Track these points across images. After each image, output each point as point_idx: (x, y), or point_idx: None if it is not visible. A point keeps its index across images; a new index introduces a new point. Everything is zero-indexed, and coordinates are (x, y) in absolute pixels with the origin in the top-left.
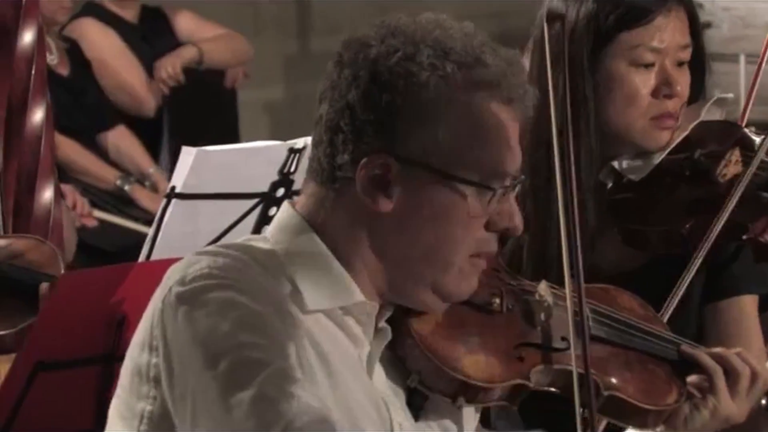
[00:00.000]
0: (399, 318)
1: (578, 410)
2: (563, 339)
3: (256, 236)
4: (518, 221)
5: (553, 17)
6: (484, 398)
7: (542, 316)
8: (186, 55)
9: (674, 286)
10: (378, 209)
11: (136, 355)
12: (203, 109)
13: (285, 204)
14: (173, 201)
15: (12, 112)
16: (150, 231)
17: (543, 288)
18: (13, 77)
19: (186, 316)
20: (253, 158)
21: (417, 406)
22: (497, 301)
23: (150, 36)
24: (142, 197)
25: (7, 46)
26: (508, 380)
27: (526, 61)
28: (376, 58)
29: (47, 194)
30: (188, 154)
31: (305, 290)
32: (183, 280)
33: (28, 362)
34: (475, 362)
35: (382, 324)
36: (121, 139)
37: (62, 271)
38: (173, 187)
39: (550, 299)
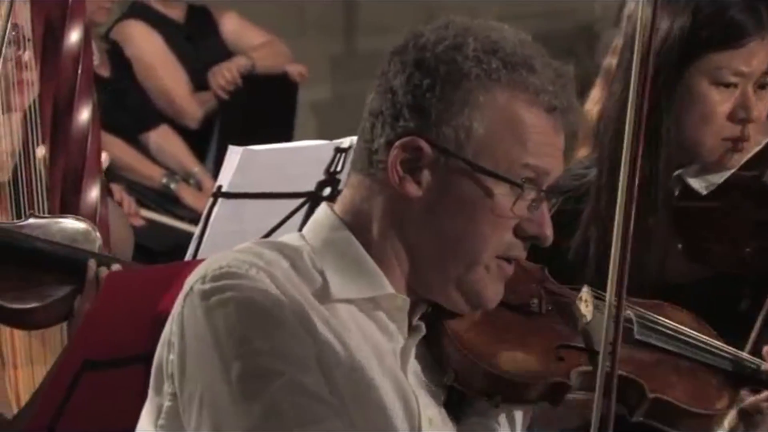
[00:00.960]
0: (435, 316)
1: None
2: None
3: (291, 234)
4: (548, 231)
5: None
6: (523, 396)
7: (584, 320)
8: (240, 62)
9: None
10: (406, 193)
11: (159, 353)
12: (257, 109)
13: (322, 204)
14: (220, 200)
15: (58, 111)
16: (196, 230)
17: (586, 292)
18: (60, 77)
19: (204, 315)
20: (300, 157)
21: (456, 406)
22: (536, 302)
23: (195, 36)
24: (188, 196)
25: (53, 46)
26: (547, 378)
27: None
28: (424, 45)
29: (94, 193)
30: (235, 153)
31: (333, 280)
32: (204, 278)
33: (74, 361)
34: (512, 358)
35: (417, 321)
36: (164, 139)
37: (98, 248)
38: (220, 186)
39: (592, 303)
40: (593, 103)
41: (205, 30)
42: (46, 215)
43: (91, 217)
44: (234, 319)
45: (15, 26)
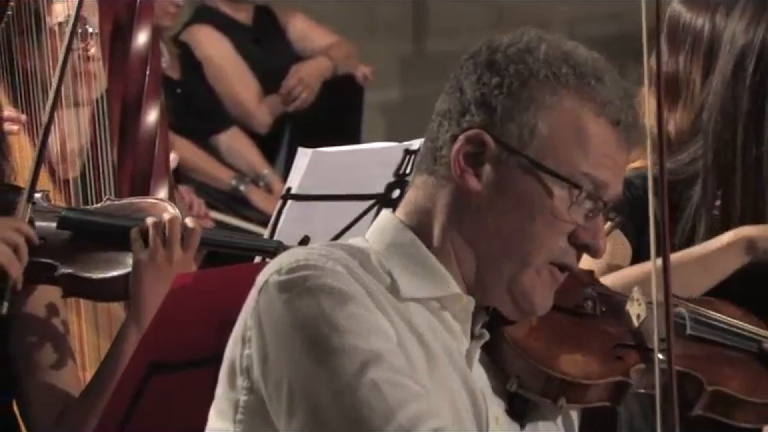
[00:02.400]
0: (493, 324)
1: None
2: (661, 340)
3: (356, 238)
4: (601, 242)
5: None
6: (585, 398)
7: (637, 319)
8: (323, 65)
9: None
10: (466, 186)
11: (230, 351)
12: (326, 111)
13: (384, 211)
14: (289, 202)
15: (127, 112)
16: (266, 232)
17: (636, 291)
18: (128, 78)
19: (285, 304)
20: (369, 159)
21: (520, 413)
22: (590, 304)
23: (262, 38)
24: (257, 198)
25: (122, 48)
26: (608, 377)
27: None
28: (496, 48)
29: (162, 194)
30: (304, 155)
31: (401, 280)
32: (280, 270)
33: (141, 363)
34: (572, 361)
35: (479, 330)
36: (234, 141)
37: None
38: (289, 188)
39: (644, 302)
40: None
41: (273, 32)
42: (123, 198)
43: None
44: (316, 305)
45: (81, 18)
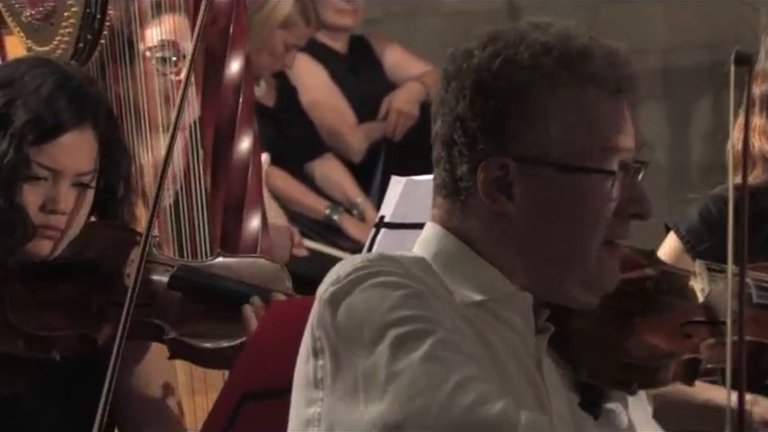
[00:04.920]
0: (556, 317)
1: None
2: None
3: (402, 251)
4: (647, 205)
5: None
6: (657, 380)
7: (702, 293)
8: (416, 89)
9: None
10: (503, 211)
11: (301, 369)
12: (420, 140)
13: (427, 223)
14: (382, 230)
15: (220, 140)
16: None
17: (699, 265)
18: (221, 105)
19: (347, 306)
20: None
21: (593, 404)
22: (650, 284)
23: (358, 67)
24: (351, 227)
25: (215, 75)
26: (679, 356)
27: None
28: (478, 66)
29: (254, 222)
30: (398, 184)
31: (456, 287)
32: (338, 279)
33: (235, 390)
34: (640, 344)
35: (543, 323)
36: (329, 169)
37: (288, 288)
38: (382, 217)
39: (708, 276)
40: (739, 129)
41: (368, 61)
42: (235, 255)
43: (251, 246)
44: (377, 299)
45: (169, 43)
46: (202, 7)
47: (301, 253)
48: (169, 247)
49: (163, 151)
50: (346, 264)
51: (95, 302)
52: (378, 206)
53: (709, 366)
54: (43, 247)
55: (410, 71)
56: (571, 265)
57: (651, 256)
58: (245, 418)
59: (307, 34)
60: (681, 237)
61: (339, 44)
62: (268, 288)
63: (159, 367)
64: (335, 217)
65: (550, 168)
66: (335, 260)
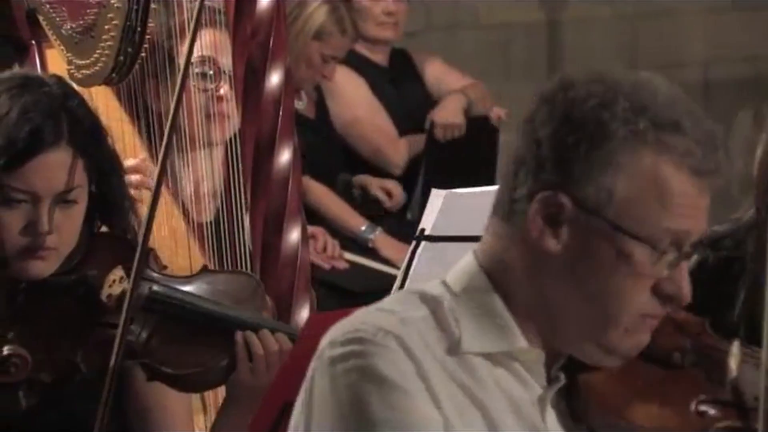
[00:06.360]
0: (570, 368)
1: None
2: (755, 399)
3: (434, 281)
4: (686, 291)
5: None
6: None
7: (732, 375)
8: (456, 99)
9: None
10: (545, 247)
11: (296, 414)
12: (461, 152)
13: (469, 252)
14: (422, 243)
15: (260, 152)
16: (399, 273)
17: (735, 347)
18: (261, 118)
19: (329, 384)
20: None
21: None
22: (678, 355)
23: (398, 80)
24: (385, 247)
25: (255, 88)
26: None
27: None
28: (573, 99)
29: (294, 235)
30: (438, 197)
31: (468, 333)
32: (334, 342)
33: (275, 403)
34: (647, 412)
35: (555, 372)
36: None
37: (267, 307)
38: (422, 230)
39: (739, 359)
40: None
41: (408, 74)
42: (217, 270)
43: (292, 259)
44: (356, 389)
45: (209, 59)
46: (197, 7)
47: (341, 265)
48: (209, 261)
49: (203, 166)
50: (347, 324)
51: (80, 324)
52: (418, 219)
53: None
54: (34, 268)
55: (451, 84)
56: (593, 325)
57: (701, 325)
58: (286, 429)
59: (345, 45)
60: None
61: (380, 57)
62: (243, 312)
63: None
64: (370, 236)
65: (604, 223)
66: (375, 273)
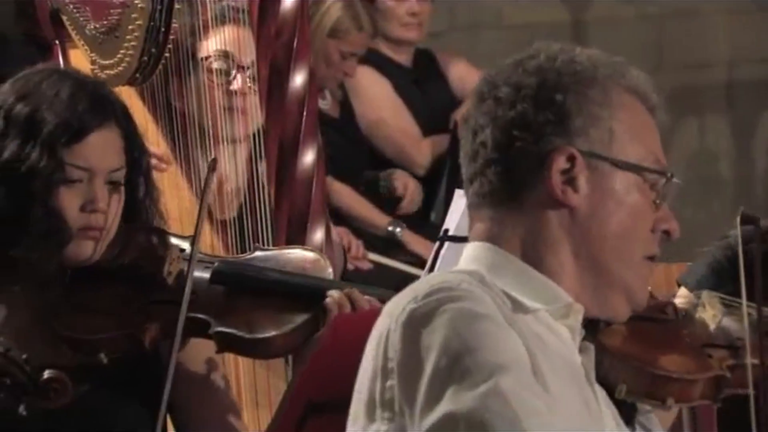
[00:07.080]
0: (588, 338)
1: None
2: (739, 339)
3: (453, 269)
4: (676, 224)
5: (746, 220)
6: (691, 395)
7: (713, 320)
8: None
9: None
10: (570, 203)
11: (365, 385)
12: None
13: (468, 244)
14: (446, 243)
15: (284, 153)
16: (423, 273)
17: (704, 295)
18: (285, 118)
19: (424, 333)
20: None
21: (629, 420)
22: (670, 309)
23: (422, 80)
24: (413, 242)
25: (279, 88)
26: (708, 372)
27: None
28: (539, 67)
29: (318, 235)
30: (461, 197)
31: (516, 296)
32: (416, 298)
33: (300, 401)
34: (672, 360)
35: (580, 343)
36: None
37: (329, 276)
38: (446, 230)
39: (718, 302)
40: None
41: (432, 74)
42: (272, 247)
43: None
44: (453, 328)
45: (226, 54)
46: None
47: (365, 266)
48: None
49: (226, 164)
50: (423, 283)
51: (138, 302)
52: (442, 219)
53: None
54: (85, 249)
55: (475, 85)
56: (618, 268)
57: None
58: (310, 428)
59: (363, 41)
60: (691, 290)
61: (403, 57)
62: (312, 276)
63: (198, 344)
64: (398, 231)
65: (611, 164)
66: (399, 273)
